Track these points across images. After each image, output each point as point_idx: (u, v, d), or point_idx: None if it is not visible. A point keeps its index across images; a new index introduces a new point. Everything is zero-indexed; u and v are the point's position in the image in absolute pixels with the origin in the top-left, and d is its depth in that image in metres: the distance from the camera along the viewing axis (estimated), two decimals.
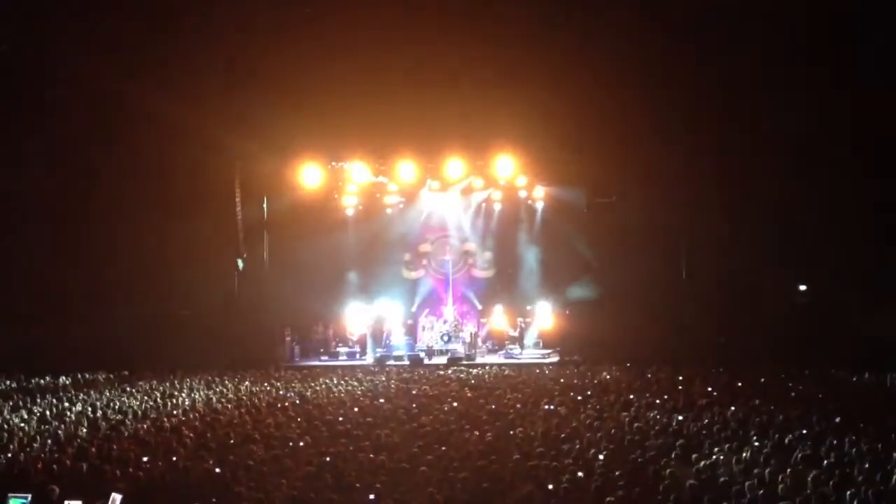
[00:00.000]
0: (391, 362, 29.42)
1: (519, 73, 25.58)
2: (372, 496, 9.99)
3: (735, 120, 26.80)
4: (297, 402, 18.67)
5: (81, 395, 20.65)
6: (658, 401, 17.86)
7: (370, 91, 26.23)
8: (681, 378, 21.65)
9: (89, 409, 17.98)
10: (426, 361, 29.34)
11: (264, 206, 31.09)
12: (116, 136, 27.48)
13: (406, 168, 29.78)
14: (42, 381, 23.16)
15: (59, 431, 14.99)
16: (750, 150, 27.48)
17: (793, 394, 18.55)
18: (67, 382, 23.21)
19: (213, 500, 9.82)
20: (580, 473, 10.81)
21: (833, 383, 20.94)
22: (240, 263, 30.29)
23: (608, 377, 22.60)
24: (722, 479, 10.51)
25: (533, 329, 32.09)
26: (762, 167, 27.49)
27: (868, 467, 10.80)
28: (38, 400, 19.65)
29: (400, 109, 26.67)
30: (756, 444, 12.69)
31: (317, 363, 30.22)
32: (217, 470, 11.45)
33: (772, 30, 25.06)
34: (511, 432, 14.14)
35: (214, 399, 19.42)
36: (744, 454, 11.85)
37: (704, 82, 26.26)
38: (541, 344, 31.87)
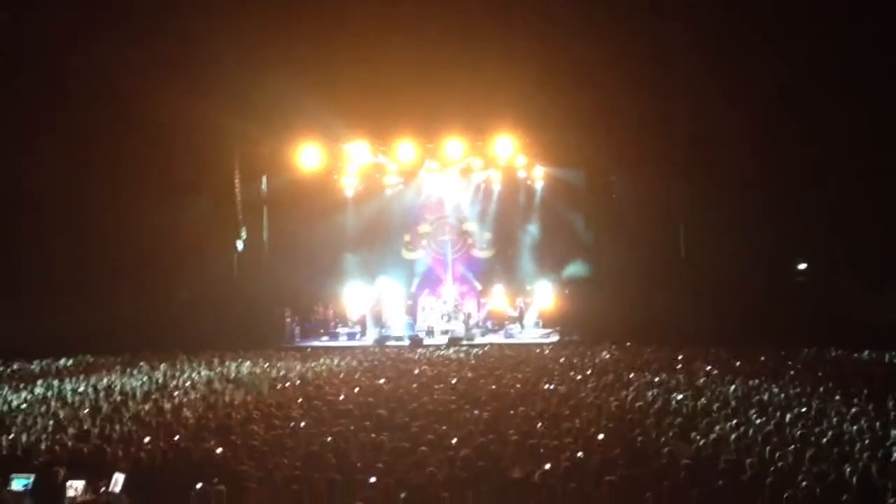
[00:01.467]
0: (391, 343, 29.49)
1: (518, 53, 25.47)
2: (373, 478, 10.04)
3: (735, 101, 26.69)
4: (298, 382, 18.72)
5: (82, 377, 20.73)
6: (657, 380, 17.95)
7: (369, 72, 26.14)
8: (680, 357, 21.72)
9: (90, 390, 18.05)
10: (426, 342, 29.39)
11: (263, 186, 31.03)
12: (113, 119, 27.40)
13: (405, 148, 29.69)
14: (43, 364, 23.18)
15: (61, 413, 15.04)
16: (750, 131, 27.36)
17: (792, 372, 18.59)
18: (68, 364, 23.26)
19: (215, 479, 9.86)
20: (580, 453, 10.86)
21: (832, 361, 20.98)
22: (239, 245, 30.28)
23: (608, 356, 22.66)
24: (721, 458, 10.56)
25: (533, 309, 32.15)
26: (762, 148, 27.42)
27: (866, 445, 10.86)
28: (40, 382, 19.72)
29: (399, 90, 26.60)
30: (755, 422, 12.75)
31: (317, 343, 30.29)
32: (219, 450, 11.51)
33: (772, 12, 25.01)
34: (511, 412, 14.20)
35: (215, 380, 19.48)
36: (743, 432, 11.91)
37: (706, 63, 26.17)
38: (540, 324, 31.95)
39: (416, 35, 25.53)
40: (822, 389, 15.86)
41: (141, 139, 27.73)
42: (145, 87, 25.39)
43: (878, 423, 12.23)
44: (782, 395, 15.32)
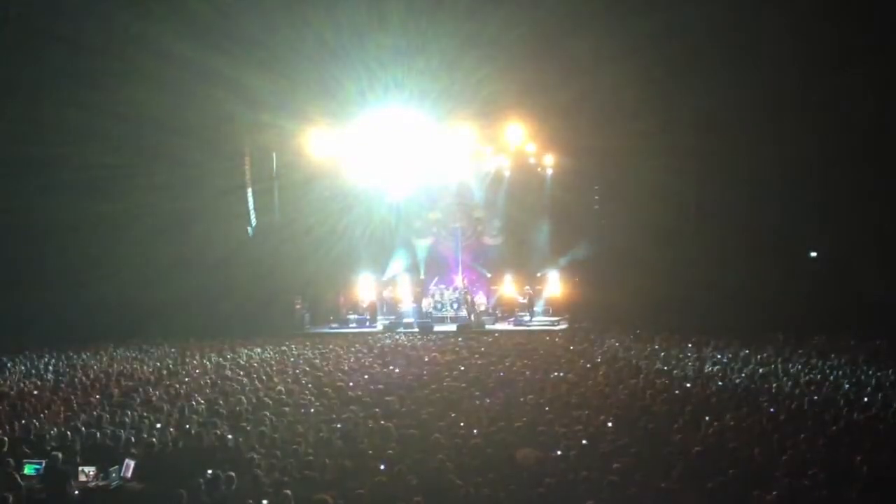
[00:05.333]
0: (401, 329, 29.50)
1: (529, 42, 25.45)
2: (383, 465, 10.07)
3: (744, 86, 26.56)
4: (308, 369, 18.78)
5: (94, 362, 20.85)
6: (666, 368, 17.93)
7: (381, 56, 26.17)
8: (690, 345, 21.68)
9: (102, 376, 18.15)
10: (435, 329, 29.39)
11: (273, 166, 31.12)
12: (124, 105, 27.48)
13: (418, 134, 29.63)
14: (54, 349, 23.27)
15: (73, 398, 15.12)
16: (759, 117, 27.23)
17: (802, 360, 18.52)
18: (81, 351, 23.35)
19: (226, 465, 9.91)
20: (585, 440, 10.88)
21: (844, 350, 20.85)
22: (250, 231, 30.37)
23: (617, 344, 22.64)
24: (730, 446, 10.55)
25: (542, 296, 32.14)
26: (772, 134, 27.29)
27: (876, 435, 10.84)
28: (51, 367, 19.85)
29: (411, 75, 26.65)
30: (766, 410, 12.72)
31: (327, 330, 30.36)
32: (229, 436, 11.56)
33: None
34: (520, 399, 14.21)
35: (227, 367, 19.55)
36: (753, 421, 11.89)
37: (718, 47, 26.05)
38: (550, 311, 31.93)
39: (426, 21, 25.50)
40: (832, 378, 15.83)
41: (150, 126, 27.79)
42: (155, 70, 25.54)
43: (890, 413, 12.20)
44: (792, 384, 15.29)
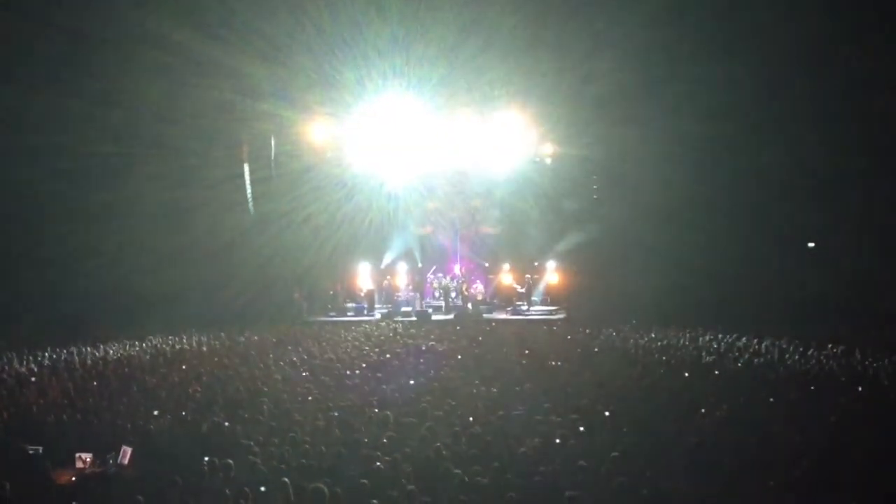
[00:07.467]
0: (399, 318, 29.52)
1: (529, 29, 25.38)
2: (378, 452, 10.08)
3: (746, 73, 26.49)
4: (306, 357, 18.79)
5: (92, 350, 20.85)
6: (664, 357, 17.94)
7: (379, 44, 26.11)
8: (687, 335, 21.69)
9: (100, 363, 18.16)
10: (434, 317, 29.41)
11: (272, 158, 31.08)
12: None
13: (417, 122, 29.55)
14: (52, 337, 23.26)
15: (70, 385, 15.12)
16: (761, 105, 27.17)
17: (800, 351, 18.53)
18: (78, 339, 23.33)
19: (223, 453, 9.91)
20: (581, 428, 10.90)
21: (842, 341, 20.82)
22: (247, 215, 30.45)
23: (615, 334, 22.66)
24: (728, 435, 10.57)
25: (540, 286, 32.14)
26: (774, 122, 27.23)
27: (874, 424, 10.85)
28: (49, 354, 19.84)
29: (409, 63, 26.58)
30: (765, 400, 12.73)
31: (325, 319, 30.35)
32: (226, 424, 11.56)
33: None
34: (518, 388, 14.22)
35: (224, 355, 19.55)
36: (749, 411, 11.90)
37: (719, 33, 25.98)
38: (548, 300, 31.93)
39: (424, 9, 25.44)
40: (828, 369, 15.85)
41: (148, 115, 27.73)
42: (153, 59, 25.46)
43: (887, 403, 12.23)
44: (790, 374, 15.31)
